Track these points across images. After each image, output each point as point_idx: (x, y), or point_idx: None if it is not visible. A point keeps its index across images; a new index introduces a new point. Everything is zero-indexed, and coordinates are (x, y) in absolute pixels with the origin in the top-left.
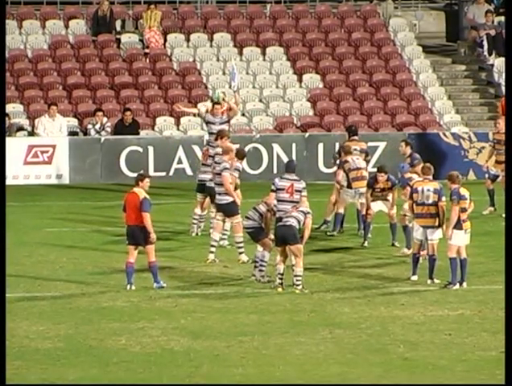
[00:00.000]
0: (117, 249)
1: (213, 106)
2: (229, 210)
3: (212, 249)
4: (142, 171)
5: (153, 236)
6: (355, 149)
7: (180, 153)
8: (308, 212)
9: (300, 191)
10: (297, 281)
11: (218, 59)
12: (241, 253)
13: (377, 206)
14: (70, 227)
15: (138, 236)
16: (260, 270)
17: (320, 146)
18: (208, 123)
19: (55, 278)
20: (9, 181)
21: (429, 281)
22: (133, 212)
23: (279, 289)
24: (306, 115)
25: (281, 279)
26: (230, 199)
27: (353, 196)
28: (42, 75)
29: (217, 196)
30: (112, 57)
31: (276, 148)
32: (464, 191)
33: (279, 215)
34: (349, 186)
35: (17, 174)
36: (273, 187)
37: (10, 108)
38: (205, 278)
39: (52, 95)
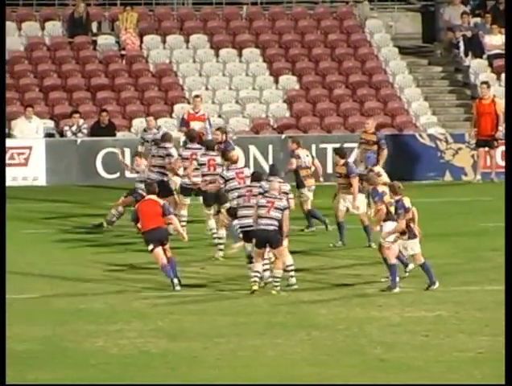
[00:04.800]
0: (94, 251)
1: (146, 118)
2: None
3: (221, 247)
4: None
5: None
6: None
7: None
8: (286, 207)
9: (287, 193)
10: (276, 282)
11: (194, 61)
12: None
13: (344, 204)
14: (47, 228)
15: (163, 236)
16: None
17: None
18: (144, 141)
19: (32, 280)
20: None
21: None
22: (154, 216)
23: (255, 287)
24: (282, 116)
25: (258, 277)
26: None
27: (307, 196)
28: (18, 77)
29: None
30: (88, 59)
31: (253, 149)
32: (407, 201)
33: (260, 211)
34: (298, 186)
35: None
36: (261, 190)
37: None
38: (182, 279)
39: (28, 97)
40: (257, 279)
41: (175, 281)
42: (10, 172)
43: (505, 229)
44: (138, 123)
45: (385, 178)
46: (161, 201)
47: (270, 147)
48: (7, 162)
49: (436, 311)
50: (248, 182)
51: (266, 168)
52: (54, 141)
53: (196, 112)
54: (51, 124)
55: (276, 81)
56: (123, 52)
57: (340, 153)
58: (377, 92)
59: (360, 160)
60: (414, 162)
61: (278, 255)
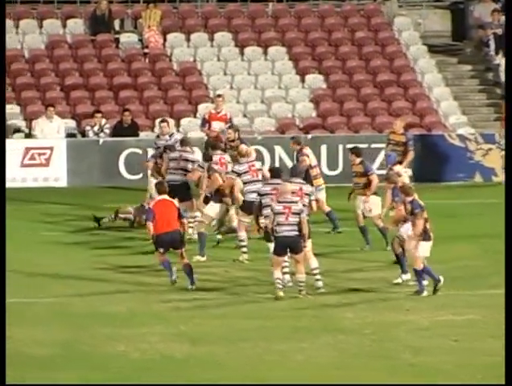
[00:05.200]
0: (113, 253)
1: (159, 124)
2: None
3: (245, 249)
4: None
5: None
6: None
7: None
8: (302, 210)
9: (309, 195)
10: (300, 287)
11: (219, 59)
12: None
13: (360, 208)
14: (66, 230)
15: (176, 241)
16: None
17: (323, 148)
18: (157, 148)
19: (50, 283)
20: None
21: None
22: (170, 219)
23: (281, 294)
24: (308, 116)
25: (280, 284)
26: None
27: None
28: (39, 75)
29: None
30: (110, 57)
31: (278, 150)
32: (420, 201)
33: (277, 218)
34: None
35: (14, 176)
36: None
37: (6, 109)
38: (206, 282)
39: (50, 96)
40: (280, 286)
41: (174, 277)
42: (30, 173)
43: (505, 230)
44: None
45: (405, 178)
46: (176, 202)
47: None
48: (28, 162)
49: (466, 315)
50: (260, 175)
51: None
52: (75, 142)
53: (218, 112)
54: (72, 124)
55: (302, 80)
56: (146, 50)
57: (356, 151)
58: (405, 91)
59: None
60: (443, 163)
61: (299, 260)
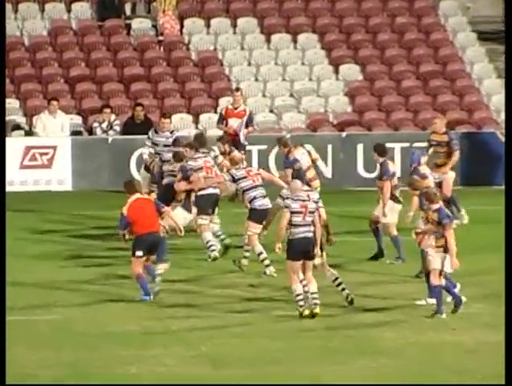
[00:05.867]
0: (120, 263)
1: (160, 119)
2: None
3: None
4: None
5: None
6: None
7: None
8: (316, 209)
9: (317, 202)
10: (315, 299)
11: (242, 48)
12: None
13: (377, 210)
14: (72, 239)
15: (156, 244)
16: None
17: (360, 147)
18: (152, 144)
19: (55, 299)
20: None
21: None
22: (151, 217)
23: (306, 312)
24: (343, 111)
25: (304, 300)
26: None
27: None
28: (41, 66)
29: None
30: (121, 45)
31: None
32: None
33: (294, 218)
34: None
35: (12, 179)
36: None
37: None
38: (224, 297)
39: (53, 89)
40: (302, 303)
41: (150, 297)
42: (31, 175)
43: (505, 233)
44: (178, 119)
45: (430, 182)
46: (151, 197)
47: (330, 147)
48: (28, 163)
49: None
50: (260, 179)
51: (325, 170)
52: (81, 140)
53: (236, 108)
54: (78, 120)
55: (336, 71)
56: (161, 38)
57: (379, 149)
58: (452, 83)
59: (431, 166)
60: (494, 164)
61: (310, 267)
